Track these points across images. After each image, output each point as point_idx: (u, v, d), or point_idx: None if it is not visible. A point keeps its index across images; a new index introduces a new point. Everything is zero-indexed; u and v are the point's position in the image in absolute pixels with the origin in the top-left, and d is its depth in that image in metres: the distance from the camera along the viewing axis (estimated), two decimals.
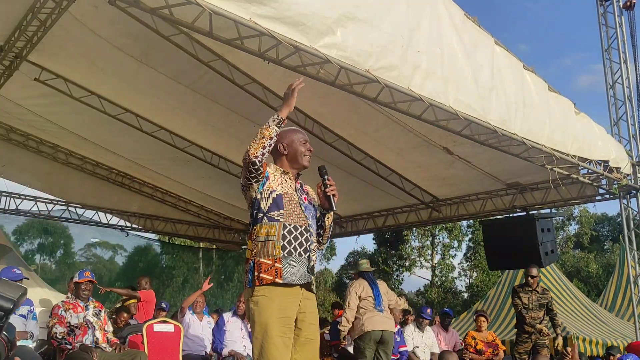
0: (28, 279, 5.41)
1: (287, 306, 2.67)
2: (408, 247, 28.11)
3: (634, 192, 8.29)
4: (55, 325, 5.05)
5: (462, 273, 29.57)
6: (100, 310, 5.39)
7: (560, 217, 27.62)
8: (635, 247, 8.52)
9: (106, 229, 12.47)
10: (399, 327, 7.02)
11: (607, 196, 8.44)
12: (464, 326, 11.85)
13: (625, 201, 8.40)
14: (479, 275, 27.53)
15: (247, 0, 3.82)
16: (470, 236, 28.41)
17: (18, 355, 4.37)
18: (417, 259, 28.74)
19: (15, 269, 5.49)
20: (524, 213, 8.96)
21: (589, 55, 61.53)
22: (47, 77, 6.99)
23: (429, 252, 28.95)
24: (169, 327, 5.84)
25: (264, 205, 2.76)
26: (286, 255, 2.69)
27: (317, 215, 2.94)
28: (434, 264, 28.81)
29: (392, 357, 6.09)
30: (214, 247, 14.73)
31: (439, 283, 28.48)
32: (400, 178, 9.11)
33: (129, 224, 12.42)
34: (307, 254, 2.76)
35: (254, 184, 2.76)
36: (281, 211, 2.75)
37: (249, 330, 5.73)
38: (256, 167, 2.69)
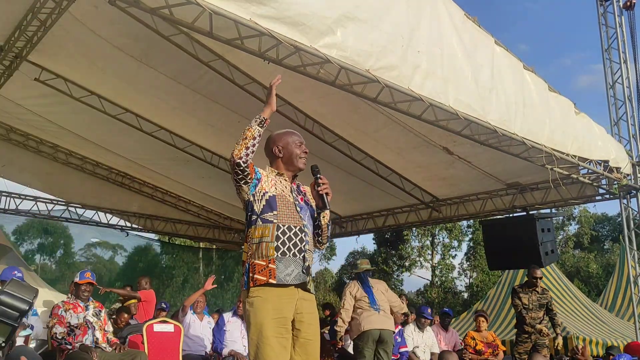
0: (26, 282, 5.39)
1: (283, 307, 2.66)
2: (408, 247, 28.12)
3: (634, 192, 8.29)
4: (55, 325, 5.05)
5: (462, 273, 29.61)
6: (100, 311, 5.39)
7: (560, 217, 27.63)
8: (635, 247, 8.52)
9: (106, 229, 12.48)
10: (400, 327, 7.01)
11: (607, 196, 8.44)
12: (464, 326, 11.85)
13: (625, 201, 8.40)
14: (479, 275, 27.53)
15: (247, 0, 3.82)
16: (470, 236, 28.42)
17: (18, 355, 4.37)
18: (417, 259, 28.76)
19: (15, 271, 5.48)
20: (524, 213, 8.96)
21: (589, 55, 61.58)
22: (47, 77, 6.98)
23: (429, 252, 28.96)
24: (169, 327, 5.83)
25: (257, 207, 2.76)
26: (280, 255, 2.69)
27: (315, 216, 2.93)
28: (434, 264, 28.81)
29: (393, 358, 6.09)
30: (214, 247, 14.73)
31: (438, 283, 28.48)
32: (400, 178, 9.11)
33: (129, 224, 12.43)
34: (302, 254, 2.74)
35: (243, 185, 2.76)
36: (275, 212, 2.74)
37: None
38: (241, 168, 2.69)
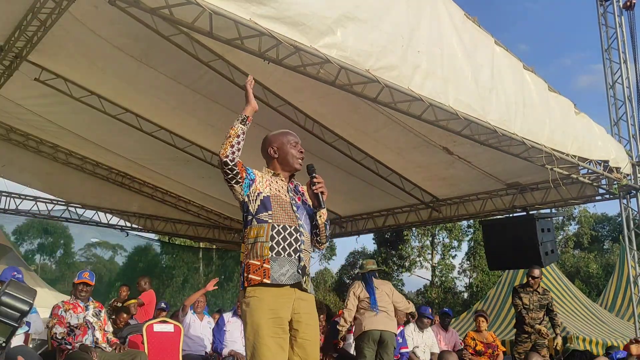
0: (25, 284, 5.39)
1: (279, 307, 2.65)
2: (408, 247, 28.12)
3: (634, 192, 8.29)
4: (55, 325, 5.05)
5: (462, 273, 29.60)
6: (100, 311, 5.39)
7: (560, 217, 27.63)
8: (635, 247, 8.52)
9: (106, 229, 12.48)
10: (401, 328, 7.02)
11: (607, 196, 8.45)
12: (463, 326, 11.85)
13: (625, 201, 8.40)
14: (479, 275, 27.53)
15: (247, 0, 3.82)
16: (470, 236, 28.42)
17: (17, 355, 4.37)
18: (417, 259, 28.76)
19: (15, 272, 5.47)
20: (524, 213, 8.96)
21: (589, 55, 61.56)
22: (47, 77, 6.99)
23: (429, 252, 28.96)
24: (169, 327, 5.83)
25: (252, 207, 2.77)
26: (274, 255, 2.68)
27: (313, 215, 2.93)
28: (434, 264, 28.82)
29: (394, 358, 6.10)
30: (214, 247, 14.73)
31: (438, 283, 28.48)
32: (400, 178, 9.11)
33: (129, 224, 12.43)
34: (298, 254, 2.73)
35: (235, 185, 2.76)
36: (269, 212, 2.74)
37: None
38: (229, 166, 2.69)
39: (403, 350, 6.97)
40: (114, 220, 12.15)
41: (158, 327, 5.76)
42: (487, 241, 9.73)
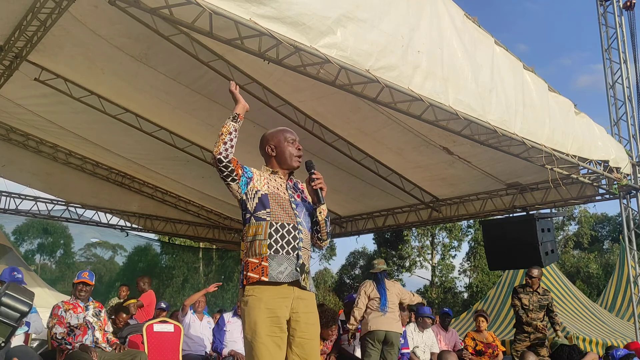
0: (26, 284, 5.40)
1: (276, 306, 2.65)
2: (408, 247, 28.12)
3: (634, 192, 8.29)
4: (55, 325, 5.05)
5: (461, 272, 29.59)
6: (100, 311, 5.39)
7: (560, 217, 27.60)
8: (635, 247, 8.53)
9: (106, 229, 12.50)
10: (403, 328, 7.01)
11: (607, 196, 8.45)
12: (463, 326, 11.85)
13: (625, 201, 8.40)
14: (479, 275, 27.53)
15: (247, 0, 3.82)
16: (470, 236, 28.43)
17: (17, 355, 4.37)
18: (417, 259, 28.75)
19: (15, 272, 5.47)
20: (524, 213, 8.96)
21: (589, 55, 61.57)
22: (47, 77, 6.99)
23: (429, 252, 28.95)
24: (168, 327, 5.83)
25: (250, 205, 2.77)
26: (273, 253, 2.68)
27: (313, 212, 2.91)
28: (434, 264, 28.81)
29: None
30: (214, 247, 14.73)
31: (438, 283, 28.48)
32: (400, 178, 9.11)
33: (128, 224, 12.44)
34: (296, 252, 2.73)
35: (231, 183, 2.76)
36: (267, 210, 2.74)
37: None
38: (223, 164, 2.68)
39: (404, 351, 6.97)
40: (114, 220, 12.16)
41: (158, 327, 5.76)
42: (487, 241, 9.73)
